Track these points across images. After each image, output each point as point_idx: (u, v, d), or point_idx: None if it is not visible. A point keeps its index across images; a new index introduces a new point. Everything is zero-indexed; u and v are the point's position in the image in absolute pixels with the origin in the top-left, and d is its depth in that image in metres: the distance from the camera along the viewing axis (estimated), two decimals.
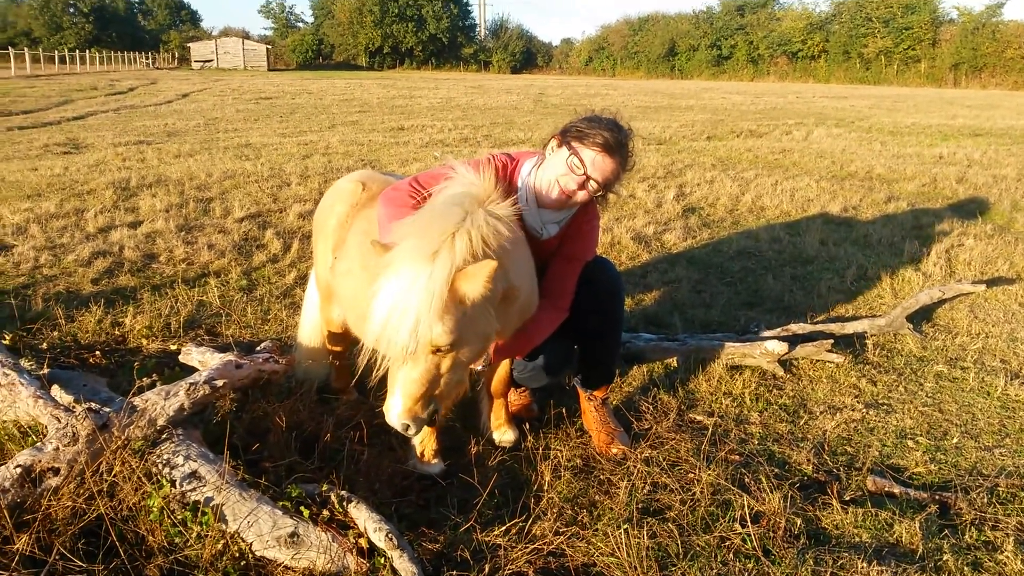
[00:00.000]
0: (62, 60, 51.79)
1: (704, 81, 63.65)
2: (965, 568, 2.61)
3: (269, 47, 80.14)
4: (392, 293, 2.38)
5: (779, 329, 4.55)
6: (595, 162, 2.93)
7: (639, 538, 2.60)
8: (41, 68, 46.79)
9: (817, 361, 4.30)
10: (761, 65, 70.91)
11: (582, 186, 2.96)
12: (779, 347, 4.12)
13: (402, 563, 2.44)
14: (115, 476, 2.59)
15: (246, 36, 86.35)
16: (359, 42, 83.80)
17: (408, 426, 2.54)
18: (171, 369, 3.72)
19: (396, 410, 2.52)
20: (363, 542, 2.52)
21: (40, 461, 2.52)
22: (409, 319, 2.35)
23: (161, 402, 2.82)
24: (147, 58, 71.43)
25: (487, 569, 2.53)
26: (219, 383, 3.00)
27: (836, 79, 62.63)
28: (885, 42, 63.24)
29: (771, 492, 2.93)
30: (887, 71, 61.84)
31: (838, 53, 66.42)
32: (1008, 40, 56.93)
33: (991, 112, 24.50)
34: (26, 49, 47.98)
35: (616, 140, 2.94)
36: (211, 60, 74.50)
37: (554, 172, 2.97)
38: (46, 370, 3.41)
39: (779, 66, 69.35)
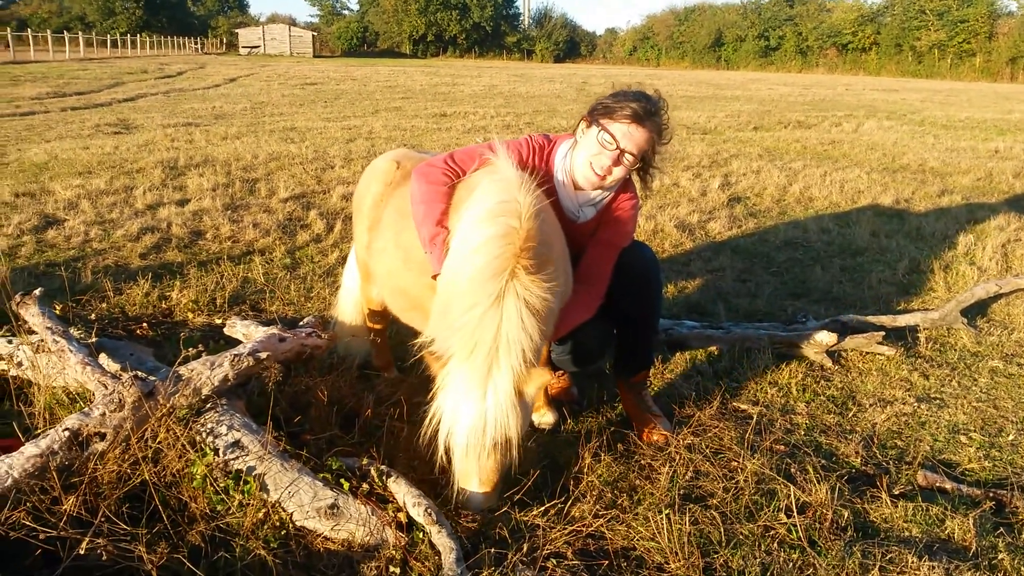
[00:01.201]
0: (114, 44, 52.85)
1: (751, 72, 62.65)
2: (1022, 568, 2.51)
3: (315, 34, 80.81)
4: (464, 431, 2.46)
5: (828, 320, 4.44)
6: (626, 134, 2.86)
7: (680, 524, 2.55)
8: (94, 51, 47.78)
9: (867, 353, 4.19)
10: (810, 56, 69.59)
11: (617, 161, 2.89)
12: (828, 337, 4.02)
13: (440, 538, 2.43)
14: (159, 443, 2.61)
15: (292, 23, 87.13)
16: (403, 30, 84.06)
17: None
18: (216, 342, 3.76)
19: (479, 502, 2.63)
20: (402, 516, 2.51)
21: (87, 425, 2.55)
22: (487, 443, 2.47)
23: (206, 372, 2.84)
24: (196, 43, 72.54)
25: (525, 548, 2.50)
26: (263, 355, 3.01)
27: (887, 72, 61.20)
28: (939, 35, 61.60)
29: (818, 483, 2.86)
30: (940, 65, 60.25)
31: (890, 46, 64.88)
32: None
33: None
34: (80, 33, 49.02)
35: (645, 109, 2.86)
36: (258, 46, 75.36)
37: (587, 152, 2.91)
38: (94, 339, 3.46)
39: (828, 58, 67.99)
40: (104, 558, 2.26)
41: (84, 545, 2.25)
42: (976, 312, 4.86)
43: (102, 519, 2.36)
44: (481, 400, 2.45)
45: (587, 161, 2.91)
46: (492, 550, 2.46)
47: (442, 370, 2.52)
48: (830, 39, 68.53)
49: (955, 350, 4.33)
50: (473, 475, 2.59)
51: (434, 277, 2.89)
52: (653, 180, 3.16)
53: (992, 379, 4.00)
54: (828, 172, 9.81)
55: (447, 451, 2.56)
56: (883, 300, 5.14)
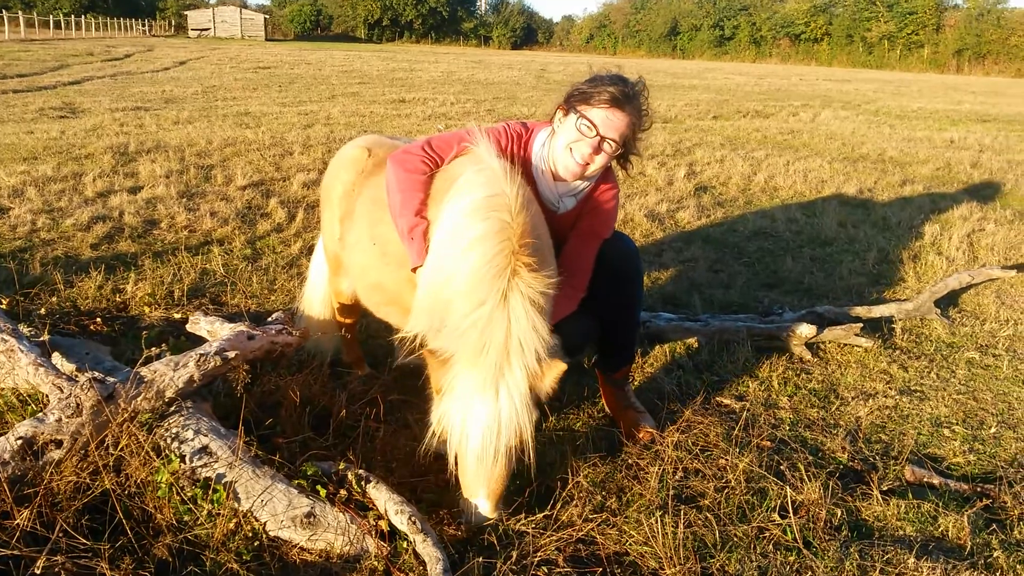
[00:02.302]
0: (57, 25, 51.10)
1: (706, 61, 63.17)
2: (1018, 566, 2.48)
3: (267, 17, 79.14)
4: (478, 436, 2.35)
5: (803, 311, 4.41)
6: (606, 120, 2.72)
7: (674, 527, 2.46)
8: (36, 32, 46.09)
9: (845, 345, 4.16)
10: (763, 47, 70.46)
11: (598, 149, 2.76)
12: (808, 330, 3.97)
13: (426, 548, 2.31)
14: (121, 450, 2.44)
15: (244, 5, 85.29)
16: (358, 14, 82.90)
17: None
18: (176, 338, 3.57)
19: (487, 512, 2.50)
20: (383, 524, 2.39)
21: (42, 433, 2.36)
22: (502, 446, 2.36)
23: (170, 373, 2.66)
24: (143, 25, 70.58)
25: (514, 556, 2.39)
26: (231, 354, 2.84)
27: (838, 62, 62.26)
28: (889, 26, 62.83)
29: (809, 481, 2.80)
30: (890, 56, 61.50)
31: (841, 36, 66.00)
32: (1013, 27, 56.61)
33: (996, 99, 24.32)
34: (20, 12, 47.26)
35: (623, 93, 2.73)
36: (208, 29, 73.57)
37: (566, 140, 2.77)
38: (46, 336, 3.25)
39: (781, 48, 68.91)
40: None
41: (40, 563, 2.08)
42: (947, 303, 4.88)
43: (60, 533, 2.19)
44: (494, 402, 2.34)
45: (566, 150, 2.78)
46: (480, 559, 2.34)
47: (446, 373, 2.39)
48: (783, 29, 69.46)
49: (931, 341, 4.33)
50: (482, 484, 2.46)
51: (413, 270, 2.75)
52: (633, 166, 3.05)
53: (969, 370, 4.00)
54: (790, 162, 9.85)
55: (455, 459, 2.45)
56: (855, 291, 5.13)
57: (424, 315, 2.57)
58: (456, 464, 2.48)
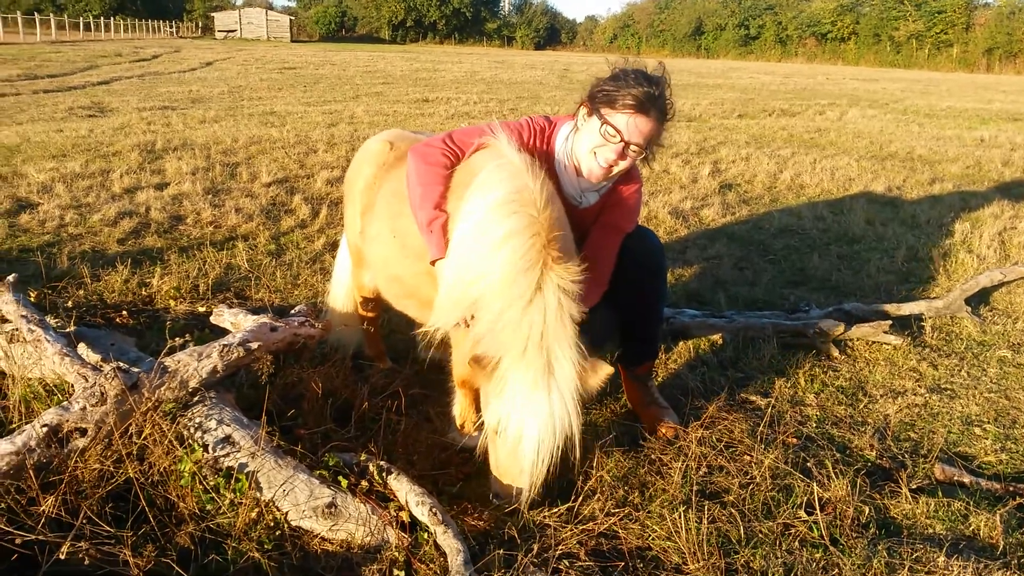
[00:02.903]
0: (87, 27, 51.83)
1: (731, 61, 62.72)
2: None
3: (292, 18, 79.75)
4: (535, 434, 2.34)
5: (831, 308, 4.34)
6: (631, 126, 2.66)
7: (698, 522, 2.43)
8: (66, 34, 46.82)
9: (873, 343, 4.09)
10: (789, 46, 69.80)
11: (623, 154, 2.71)
12: (835, 327, 3.91)
13: (446, 539, 2.29)
14: (145, 439, 2.45)
15: (269, 7, 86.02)
16: (382, 15, 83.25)
17: None
18: (201, 331, 3.58)
19: (526, 498, 2.49)
20: (404, 516, 2.38)
21: (67, 421, 2.38)
22: (555, 443, 2.35)
23: (193, 363, 2.67)
24: (171, 27, 71.39)
25: (536, 549, 2.37)
26: (253, 345, 2.85)
27: (865, 62, 61.52)
28: (917, 25, 61.98)
29: (836, 478, 2.75)
30: (918, 55, 60.67)
31: (868, 36, 65.22)
32: None
33: None
34: (51, 15, 48.00)
35: (648, 95, 2.65)
36: (234, 30, 74.26)
37: (589, 143, 2.73)
38: (72, 328, 3.28)
39: (807, 47, 68.22)
40: (86, 562, 2.11)
41: (64, 549, 2.09)
42: (978, 301, 4.78)
43: (84, 520, 2.20)
44: (547, 400, 2.32)
45: (591, 153, 2.73)
46: (501, 551, 2.33)
47: (493, 374, 2.38)
48: (809, 29, 68.77)
49: (961, 339, 4.25)
50: (529, 478, 2.44)
51: (432, 263, 2.74)
52: (655, 159, 3.00)
53: (1001, 369, 3.91)
54: (817, 160, 9.73)
55: (505, 455, 2.45)
56: (883, 288, 5.05)
57: (452, 310, 2.55)
58: (500, 457, 2.47)
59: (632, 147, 2.70)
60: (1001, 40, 56.58)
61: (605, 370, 2.47)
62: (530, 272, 2.35)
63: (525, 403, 2.34)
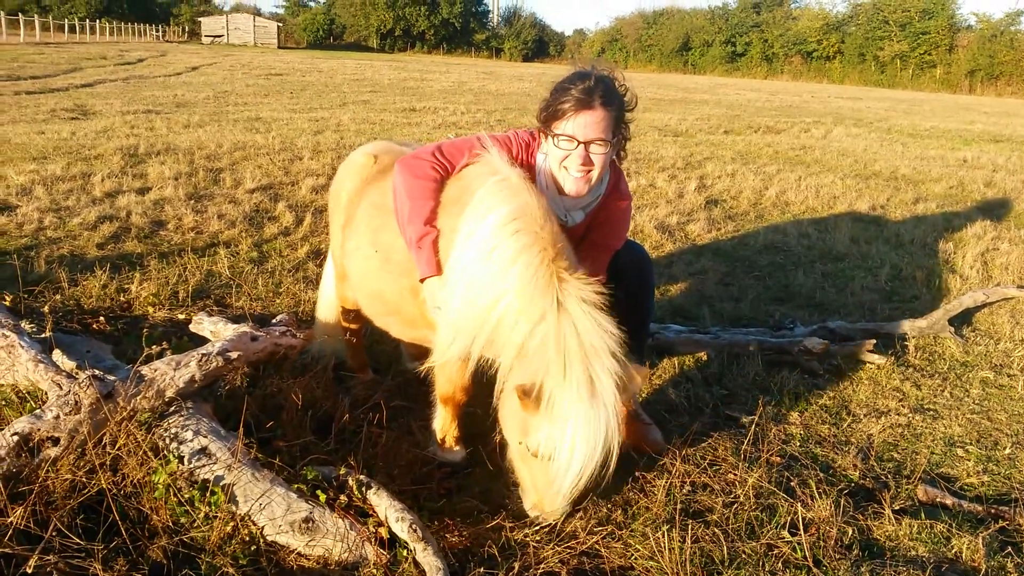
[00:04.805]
0: (71, 29, 51.42)
1: (717, 77, 63.18)
2: None
3: (280, 25, 79.56)
4: (584, 454, 2.30)
5: (815, 326, 4.35)
6: (579, 126, 2.61)
7: (681, 542, 2.40)
8: (51, 36, 46.43)
9: (857, 361, 4.09)
10: (775, 63, 70.36)
11: (587, 160, 2.65)
12: (819, 345, 3.91)
13: (426, 557, 2.25)
14: (119, 449, 2.40)
15: (257, 13, 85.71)
16: (371, 23, 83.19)
17: None
18: (180, 339, 3.53)
19: (561, 508, 2.51)
20: (383, 532, 2.34)
21: (39, 429, 2.32)
22: (601, 457, 2.33)
23: (171, 372, 2.62)
24: (157, 31, 70.97)
25: (516, 567, 2.34)
26: (233, 355, 2.80)
27: (850, 80, 62.10)
28: (901, 46, 62.66)
29: (820, 498, 2.73)
30: (902, 75, 61.33)
31: (853, 55, 65.87)
32: None
33: (1009, 120, 24.18)
34: (36, 16, 47.65)
35: (584, 89, 2.61)
36: (221, 35, 73.99)
37: (556, 160, 2.69)
38: (48, 334, 3.21)
39: (793, 65, 68.80)
40: None
41: (32, 562, 2.04)
42: (961, 321, 4.80)
43: (53, 532, 2.15)
44: (596, 416, 2.29)
45: (562, 168, 2.69)
46: (482, 570, 2.30)
47: (540, 399, 2.32)
48: (795, 47, 69.37)
49: (944, 359, 4.26)
50: (568, 496, 2.43)
51: (422, 280, 2.70)
52: (627, 142, 2.89)
53: (984, 390, 3.92)
54: (802, 177, 9.79)
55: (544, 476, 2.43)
56: (867, 307, 5.06)
57: (464, 336, 2.50)
58: (542, 478, 2.44)
59: (593, 146, 2.65)
60: (983, 62, 57.34)
61: (643, 373, 2.49)
62: (547, 288, 2.35)
63: (576, 423, 2.29)
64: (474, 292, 2.46)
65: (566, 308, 2.34)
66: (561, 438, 2.30)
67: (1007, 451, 3.33)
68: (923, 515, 2.77)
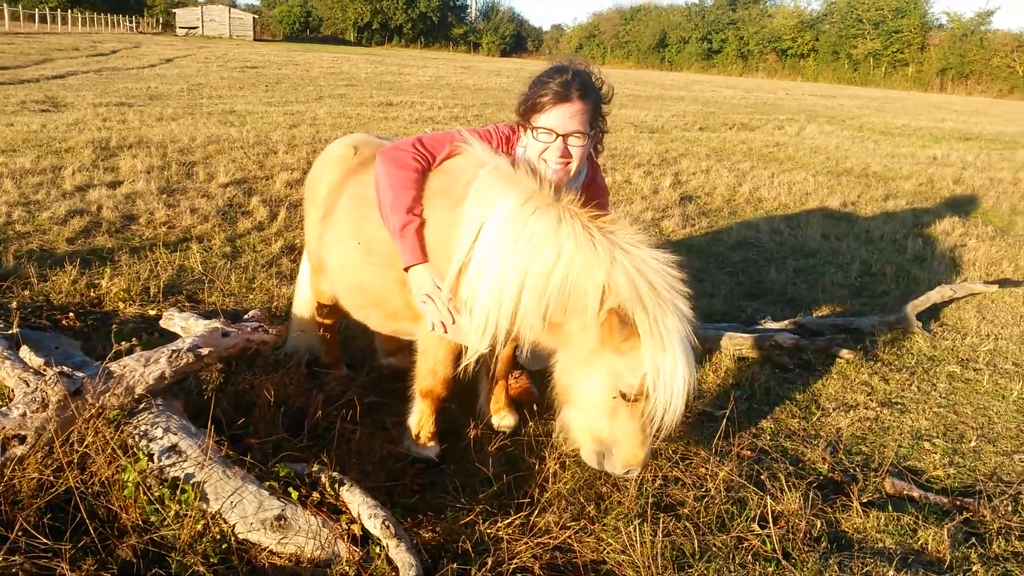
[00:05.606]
0: (43, 19, 50.58)
1: (693, 73, 63.51)
2: None
3: (256, 17, 78.75)
4: (685, 373, 2.42)
5: (787, 321, 4.39)
6: (559, 119, 2.65)
7: (652, 535, 2.42)
8: (20, 25, 45.61)
9: (827, 356, 4.14)
10: (750, 60, 70.92)
11: (566, 152, 2.69)
12: (790, 340, 3.95)
13: (399, 553, 2.25)
14: (87, 447, 2.37)
15: (232, 5, 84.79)
16: (348, 16, 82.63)
17: None
18: (150, 335, 3.49)
19: (644, 462, 2.60)
20: (356, 528, 2.33)
21: (5, 427, 2.29)
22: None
23: (140, 369, 2.60)
24: (131, 22, 70.02)
25: (490, 563, 2.35)
26: (204, 351, 2.78)
27: (824, 78, 62.74)
28: (874, 44, 63.40)
29: (789, 491, 2.77)
30: (875, 73, 62.06)
31: (827, 52, 66.55)
32: (995, 48, 57.32)
33: (978, 118, 24.58)
34: (4, 5, 46.76)
35: (562, 83, 2.66)
36: (196, 27, 73.12)
37: (535, 153, 2.73)
38: (15, 329, 3.17)
39: (768, 62, 69.37)
40: None
41: None
42: (928, 316, 4.88)
43: (19, 532, 2.12)
44: (689, 335, 2.47)
45: (541, 161, 2.72)
46: (455, 565, 2.30)
47: (637, 330, 2.42)
48: (770, 44, 69.94)
49: (912, 354, 4.32)
50: (642, 442, 2.55)
51: (406, 269, 2.70)
52: (604, 148, 3.02)
53: (950, 384, 3.99)
54: (775, 174, 9.88)
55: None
56: (837, 302, 5.13)
57: (503, 321, 2.55)
58: (626, 429, 2.53)
59: (572, 138, 2.68)
60: (954, 61, 58.19)
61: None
62: (603, 240, 2.45)
63: (683, 342, 2.43)
64: (505, 279, 2.50)
65: (628, 252, 2.45)
66: (674, 360, 2.40)
67: (972, 444, 3.39)
68: (890, 507, 2.81)
